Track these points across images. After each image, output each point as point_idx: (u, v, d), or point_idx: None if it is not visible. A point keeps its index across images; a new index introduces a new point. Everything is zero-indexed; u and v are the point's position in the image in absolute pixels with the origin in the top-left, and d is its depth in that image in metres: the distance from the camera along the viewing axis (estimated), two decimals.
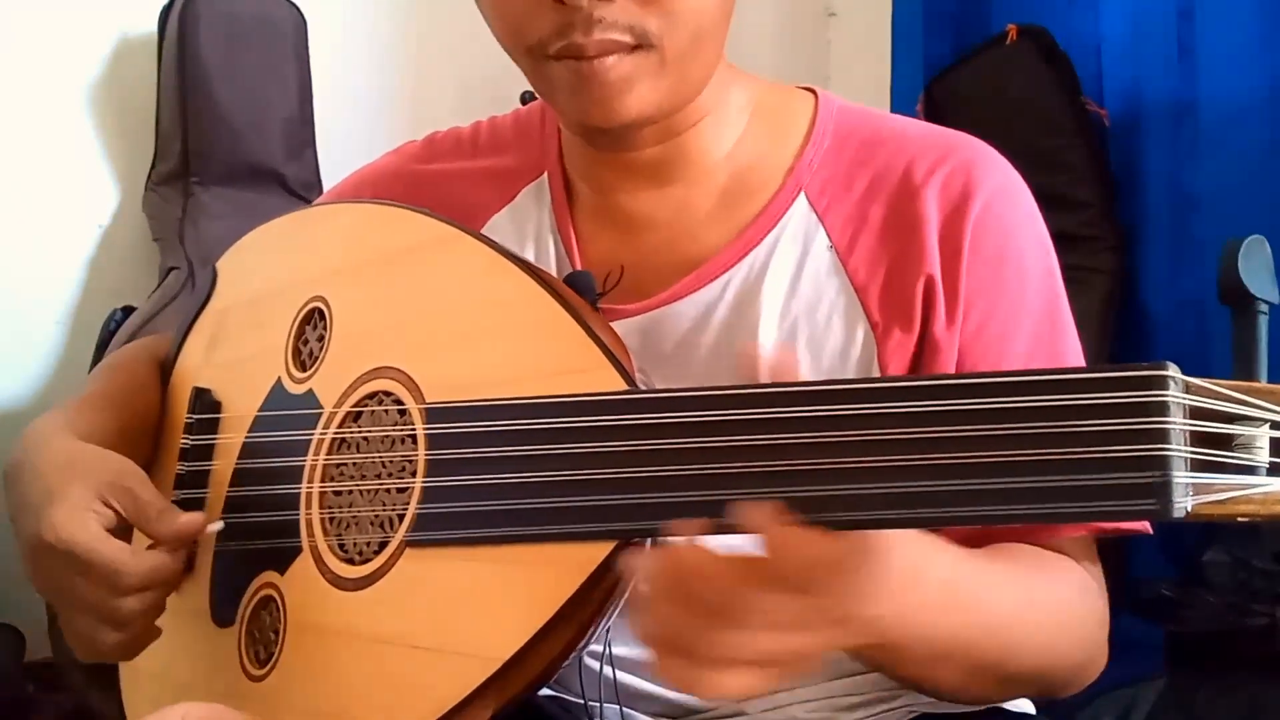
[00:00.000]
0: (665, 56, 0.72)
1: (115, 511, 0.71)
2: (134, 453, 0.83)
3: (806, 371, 0.77)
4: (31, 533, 0.70)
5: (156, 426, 0.87)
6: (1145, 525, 0.76)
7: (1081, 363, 0.80)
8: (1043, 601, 0.70)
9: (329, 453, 0.74)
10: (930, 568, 0.61)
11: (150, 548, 0.73)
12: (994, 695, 0.75)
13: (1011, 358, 0.77)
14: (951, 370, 0.76)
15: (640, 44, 0.71)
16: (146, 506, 0.72)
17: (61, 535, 0.69)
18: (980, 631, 0.65)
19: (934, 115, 1.98)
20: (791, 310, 0.78)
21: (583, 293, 0.70)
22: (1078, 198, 1.85)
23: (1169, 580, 1.61)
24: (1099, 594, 0.76)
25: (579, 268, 0.82)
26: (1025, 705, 0.82)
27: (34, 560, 0.71)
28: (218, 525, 0.76)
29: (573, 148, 0.85)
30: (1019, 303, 0.78)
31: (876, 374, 0.77)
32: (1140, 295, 1.86)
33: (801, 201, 0.80)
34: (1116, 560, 1.69)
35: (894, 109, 2.13)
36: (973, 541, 0.74)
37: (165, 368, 0.90)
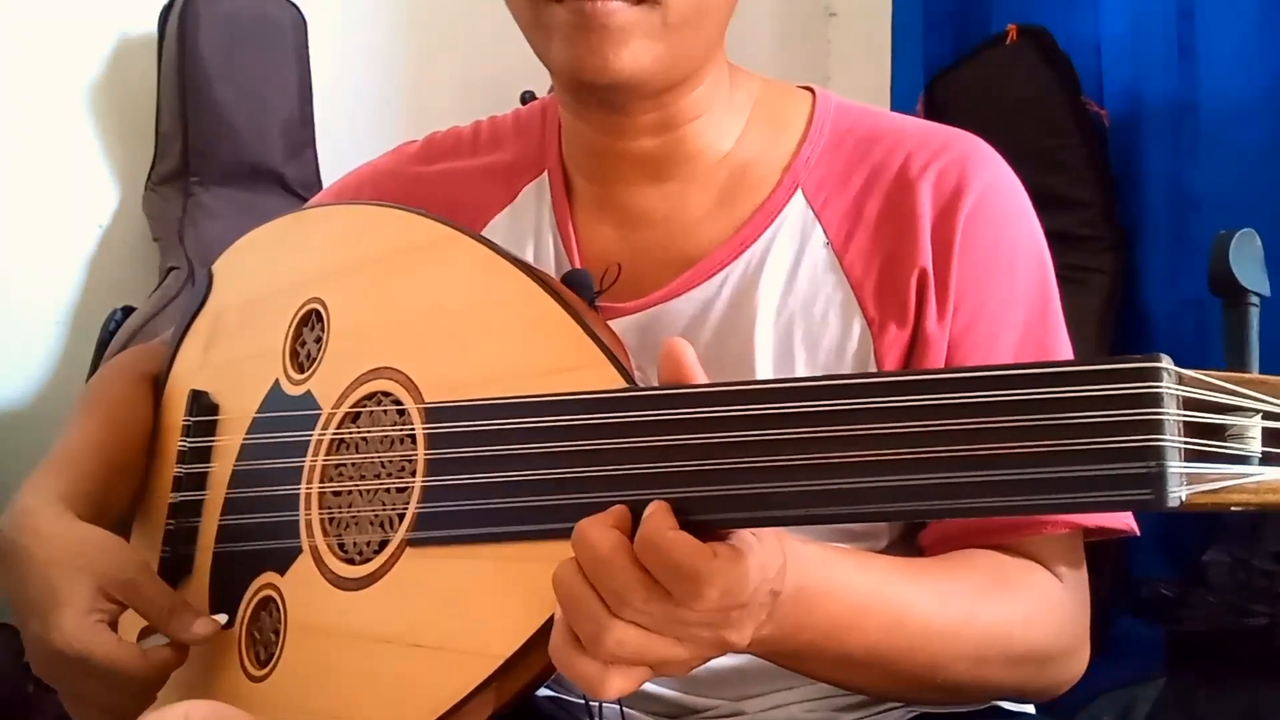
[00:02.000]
0: (667, 18, 0.72)
1: (119, 604, 0.72)
2: (129, 482, 0.84)
3: (803, 368, 0.78)
4: (38, 635, 0.71)
5: (149, 444, 0.87)
6: (1133, 527, 0.76)
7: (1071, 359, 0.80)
8: (983, 620, 0.70)
9: (328, 453, 0.74)
10: (838, 589, 0.64)
11: (146, 630, 0.74)
12: (937, 699, 0.75)
13: (1001, 354, 0.77)
14: (940, 365, 0.76)
15: None
16: (154, 604, 0.73)
17: (74, 645, 0.70)
18: (900, 647, 0.67)
19: (934, 115, 1.98)
20: (788, 306, 0.78)
21: (580, 291, 0.70)
22: (1078, 198, 1.85)
23: (1169, 580, 1.61)
24: (1071, 600, 0.75)
25: (577, 265, 0.82)
26: (1025, 705, 0.82)
27: (42, 660, 0.72)
28: (223, 619, 0.76)
29: (573, 143, 0.85)
30: (1009, 299, 0.78)
31: (873, 369, 0.77)
32: (1140, 295, 1.86)
33: (798, 198, 0.80)
34: (1116, 560, 1.69)
35: (894, 109, 2.13)
36: (953, 538, 0.75)
37: (160, 372, 0.90)
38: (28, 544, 0.74)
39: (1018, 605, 0.72)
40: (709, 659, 0.58)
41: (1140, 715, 1.43)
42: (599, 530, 0.55)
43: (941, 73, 2.02)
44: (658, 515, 0.54)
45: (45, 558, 0.72)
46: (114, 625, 0.72)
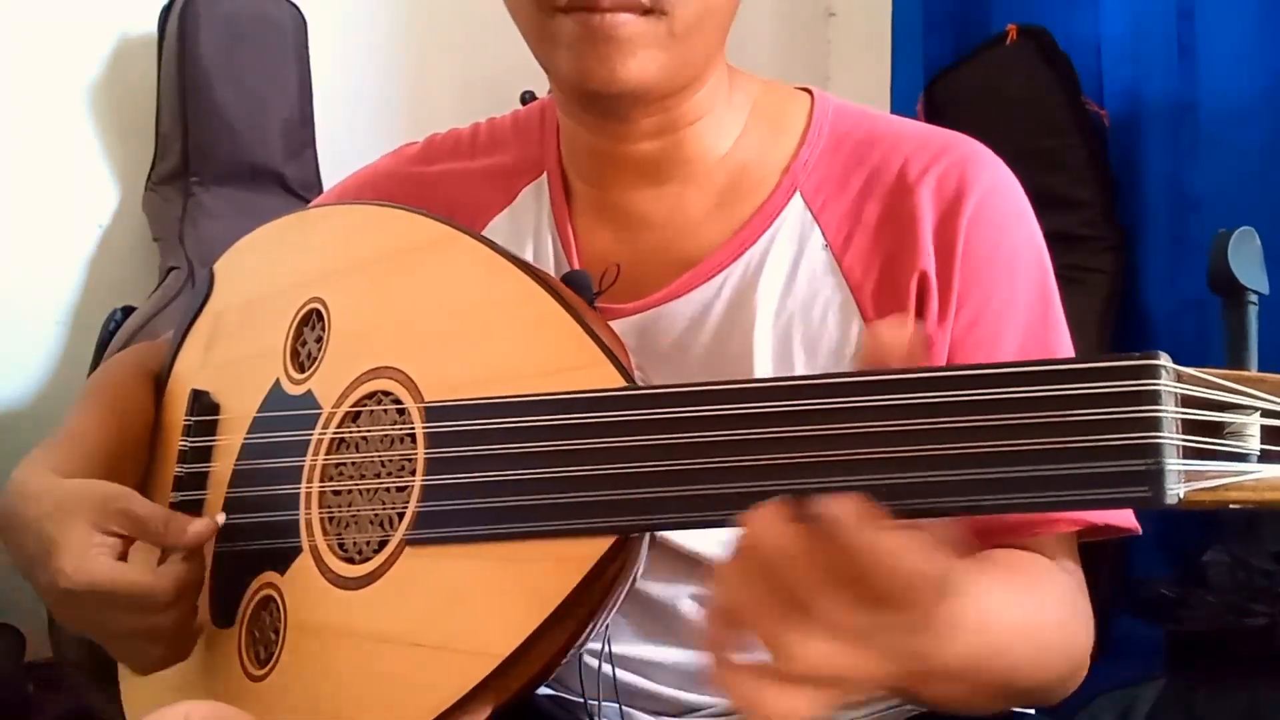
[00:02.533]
0: (674, 27, 0.72)
1: (119, 535, 0.72)
2: (129, 471, 0.84)
3: (802, 369, 0.78)
4: (47, 585, 0.71)
5: (150, 438, 0.87)
6: (1134, 525, 0.76)
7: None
8: (1046, 619, 0.70)
9: (328, 453, 0.74)
10: (994, 614, 0.61)
11: (163, 558, 0.74)
12: (988, 709, 0.74)
13: (1003, 354, 0.77)
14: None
15: (653, 9, 0.71)
16: (149, 521, 0.73)
17: (78, 578, 0.69)
18: (992, 652, 0.62)
19: (934, 115, 1.98)
20: (787, 308, 0.78)
21: (579, 292, 0.70)
22: (1078, 198, 1.85)
23: (1169, 580, 1.61)
24: (1086, 596, 0.75)
25: (576, 266, 0.82)
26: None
27: (60, 607, 0.72)
28: (221, 518, 0.76)
29: (572, 146, 0.85)
30: (1010, 300, 0.78)
31: None
32: (1140, 295, 1.86)
33: (797, 201, 0.80)
34: (1116, 560, 1.69)
35: (894, 109, 2.13)
36: (974, 536, 0.75)
37: (161, 371, 0.90)
38: (20, 507, 0.75)
39: (1065, 602, 0.72)
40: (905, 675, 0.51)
41: (1140, 715, 1.43)
42: (777, 526, 0.49)
43: (941, 73, 2.02)
44: (856, 504, 0.48)
45: (36, 514, 0.73)
46: (124, 559, 0.72)
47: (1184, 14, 1.79)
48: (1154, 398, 0.46)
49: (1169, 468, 0.46)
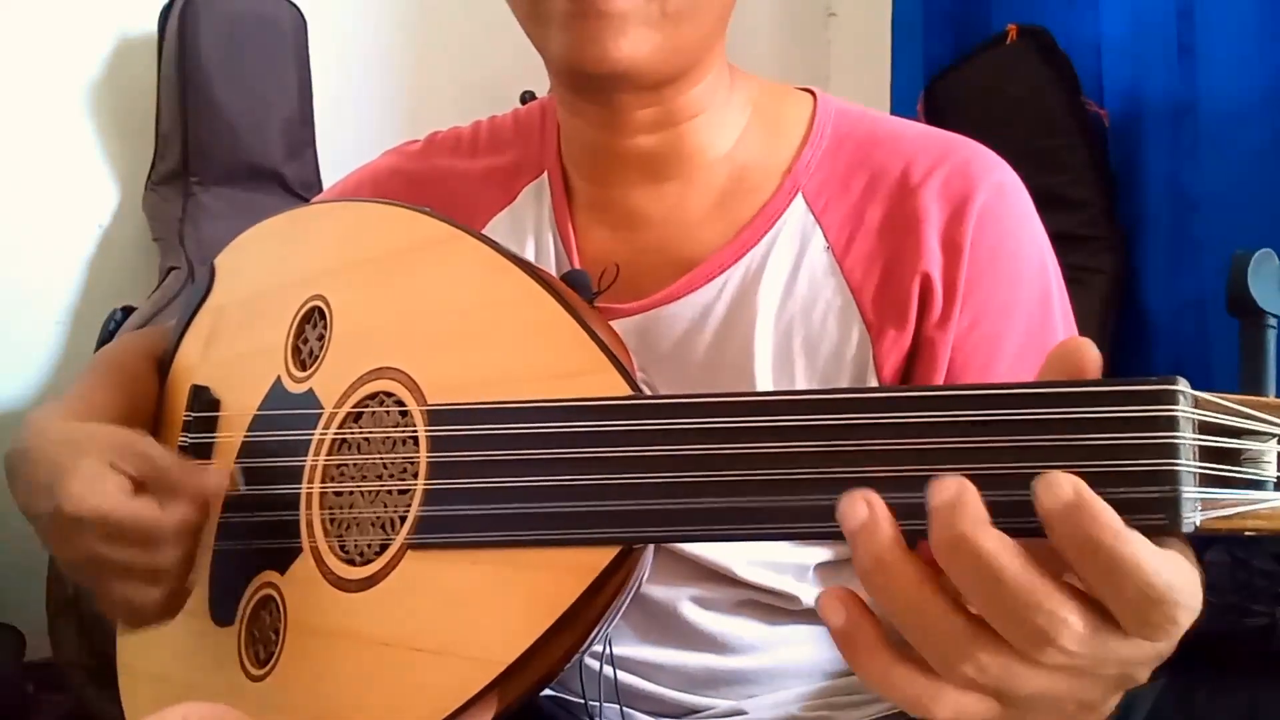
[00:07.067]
0: (666, 8, 0.72)
1: (129, 476, 0.71)
2: None
3: (802, 373, 0.77)
4: (49, 510, 0.69)
5: (154, 417, 0.87)
6: None
7: None
8: None
9: (330, 453, 0.74)
10: None
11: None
12: None
13: (1003, 355, 0.77)
14: (943, 368, 0.76)
15: None
16: (163, 464, 0.71)
17: (85, 505, 0.68)
18: None
19: (934, 115, 1.98)
20: (787, 311, 0.78)
21: (578, 291, 0.69)
22: (1078, 198, 1.85)
23: None
24: None
25: (577, 265, 0.82)
26: None
27: (57, 536, 0.70)
28: (237, 471, 0.75)
29: (572, 143, 0.85)
30: (1012, 301, 0.78)
31: (872, 374, 0.77)
32: (1140, 296, 1.86)
33: (799, 202, 0.80)
34: None
35: (894, 109, 2.14)
36: None
37: (163, 364, 0.90)
38: (33, 443, 0.74)
39: None
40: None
41: (1140, 715, 1.43)
42: (996, 541, 0.43)
43: (941, 73, 2.02)
44: (1101, 508, 0.43)
45: (50, 443, 0.73)
46: None
47: (1184, 14, 1.79)
48: (1171, 424, 0.45)
49: (1186, 495, 0.45)
